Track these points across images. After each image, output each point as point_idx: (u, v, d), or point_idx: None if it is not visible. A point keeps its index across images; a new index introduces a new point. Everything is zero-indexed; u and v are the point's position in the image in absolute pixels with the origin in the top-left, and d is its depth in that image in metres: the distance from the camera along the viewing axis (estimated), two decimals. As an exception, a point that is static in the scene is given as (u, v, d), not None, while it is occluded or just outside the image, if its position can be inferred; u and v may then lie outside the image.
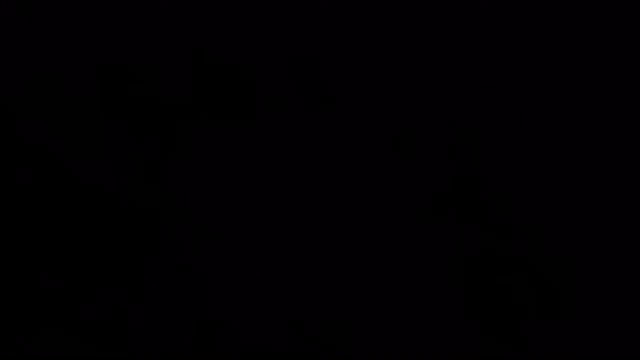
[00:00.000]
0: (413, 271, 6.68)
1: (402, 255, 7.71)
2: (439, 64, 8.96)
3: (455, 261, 6.61)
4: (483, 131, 8.29)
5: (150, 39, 10.66)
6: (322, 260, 10.51)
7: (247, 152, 13.14)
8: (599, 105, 7.62)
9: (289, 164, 12.74)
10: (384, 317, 6.38)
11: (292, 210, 12.54)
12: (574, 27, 8.17)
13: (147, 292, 8.39)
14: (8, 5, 9.19)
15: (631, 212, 6.80)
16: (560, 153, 7.34)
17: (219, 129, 13.25)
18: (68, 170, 11.02)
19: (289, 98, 13.03)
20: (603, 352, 5.73)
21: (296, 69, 12.49)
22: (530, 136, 8.51)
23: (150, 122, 12.67)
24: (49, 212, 11.09)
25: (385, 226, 11.86)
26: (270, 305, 7.23)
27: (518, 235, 6.72)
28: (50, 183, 10.68)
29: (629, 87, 7.31)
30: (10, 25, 9.69)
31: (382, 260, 8.47)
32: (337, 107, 13.81)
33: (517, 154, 7.81)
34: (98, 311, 7.42)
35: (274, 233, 13.08)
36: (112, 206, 12.23)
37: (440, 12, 8.29)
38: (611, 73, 7.38)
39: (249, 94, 13.61)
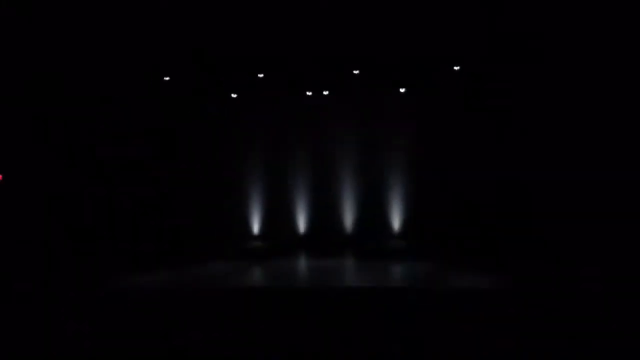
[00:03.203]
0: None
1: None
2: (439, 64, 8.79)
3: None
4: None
5: (150, 39, 10.53)
6: (322, 258, 10.35)
7: (247, 151, 12.97)
8: (598, 107, 7.45)
9: (289, 163, 12.60)
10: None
11: (292, 209, 12.37)
12: (572, 32, 7.99)
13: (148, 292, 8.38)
14: (8, 5, 9.13)
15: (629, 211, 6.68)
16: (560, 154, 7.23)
17: (220, 129, 13.17)
18: (68, 170, 10.91)
19: (289, 97, 12.87)
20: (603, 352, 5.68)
21: (297, 69, 12.26)
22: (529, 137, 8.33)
23: (150, 121, 12.57)
24: (50, 212, 11.03)
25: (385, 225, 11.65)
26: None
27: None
28: (51, 183, 10.61)
29: (626, 90, 7.12)
30: (10, 25, 9.63)
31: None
32: (336, 107, 13.60)
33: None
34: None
35: (273, 232, 12.86)
36: (113, 206, 12.15)
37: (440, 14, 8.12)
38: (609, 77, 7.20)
39: (249, 93, 13.38)
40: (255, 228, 12.35)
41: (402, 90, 11.69)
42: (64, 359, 5.72)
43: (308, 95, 11.86)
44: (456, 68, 10.96)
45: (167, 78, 11.37)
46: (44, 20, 10.24)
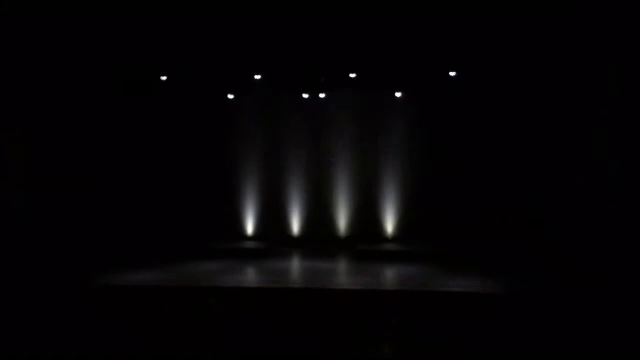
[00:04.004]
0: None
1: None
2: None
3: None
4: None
5: (148, 39, 10.48)
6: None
7: (242, 152, 12.88)
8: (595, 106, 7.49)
9: (284, 165, 12.56)
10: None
11: (287, 210, 12.38)
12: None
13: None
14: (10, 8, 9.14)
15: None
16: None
17: (216, 129, 13.08)
18: (65, 168, 10.81)
19: (285, 99, 12.81)
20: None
21: (293, 71, 12.18)
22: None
23: (147, 122, 12.47)
24: (45, 210, 10.91)
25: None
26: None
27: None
28: (48, 182, 10.50)
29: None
30: (13, 28, 9.61)
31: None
32: (332, 109, 13.55)
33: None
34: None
35: (267, 232, 12.85)
36: (109, 204, 11.99)
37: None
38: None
39: (246, 95, 13.28)
40: (249, 228, 12.35)
41: (398, 94, 11.75)
42: (60, 358, 5.69)
43: (304, 98, 11.89)
44: (452, 74, 11.04)
45: (164, 78, 11.37)
46: (42, 20, 10.25)
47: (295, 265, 10.74)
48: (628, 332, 6.04)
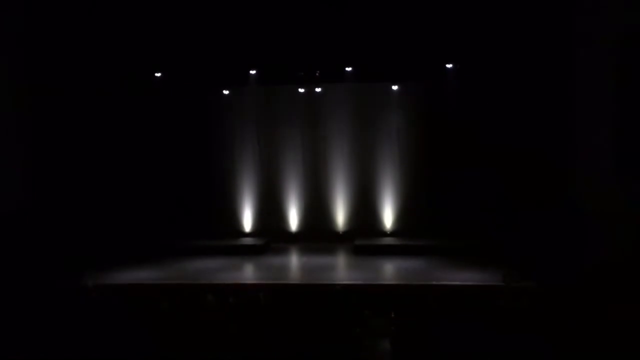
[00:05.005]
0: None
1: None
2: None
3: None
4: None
5: (142, 36, 10.40)
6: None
7: (238, 148, 12.84)
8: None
9: (282, 160, 12.50)
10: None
11: (285, 205, 12.37)
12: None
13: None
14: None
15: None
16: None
17: (211, 124, 13.01)
18: (59, 166, 10.65)
19: (281, 94, 12.76)
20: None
21: (289, 65, 12.08)
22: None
23: (142, 118, 12.40)
24: (40, 208, 10.74)
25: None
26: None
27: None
28: (42, 180, 10.31)
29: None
30: (8, 22, 9.48)
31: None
32: (328, 103, 13.53)
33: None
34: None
35: (266, 228, 12.76)
36: (106, 203, 11.96)
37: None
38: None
39: (242, 89, 13.25)
40: (247, 225, 12.29)
41: (394, 87, 11.70)
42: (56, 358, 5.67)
43: (300, 92, 11.82)
44: (449, 66, 10.98)
45: (159, 74, 11.30)
46: (41, 18, 10.22)
47: (294, 261, 10.73)
48: (628, 331, 6.03)
